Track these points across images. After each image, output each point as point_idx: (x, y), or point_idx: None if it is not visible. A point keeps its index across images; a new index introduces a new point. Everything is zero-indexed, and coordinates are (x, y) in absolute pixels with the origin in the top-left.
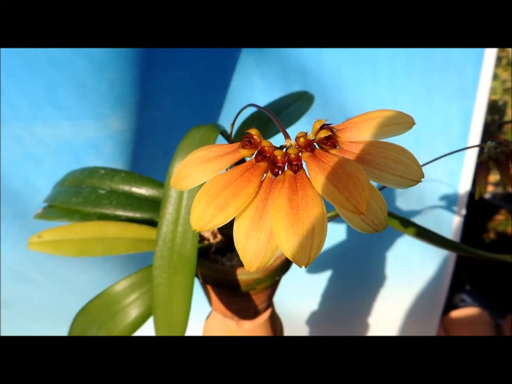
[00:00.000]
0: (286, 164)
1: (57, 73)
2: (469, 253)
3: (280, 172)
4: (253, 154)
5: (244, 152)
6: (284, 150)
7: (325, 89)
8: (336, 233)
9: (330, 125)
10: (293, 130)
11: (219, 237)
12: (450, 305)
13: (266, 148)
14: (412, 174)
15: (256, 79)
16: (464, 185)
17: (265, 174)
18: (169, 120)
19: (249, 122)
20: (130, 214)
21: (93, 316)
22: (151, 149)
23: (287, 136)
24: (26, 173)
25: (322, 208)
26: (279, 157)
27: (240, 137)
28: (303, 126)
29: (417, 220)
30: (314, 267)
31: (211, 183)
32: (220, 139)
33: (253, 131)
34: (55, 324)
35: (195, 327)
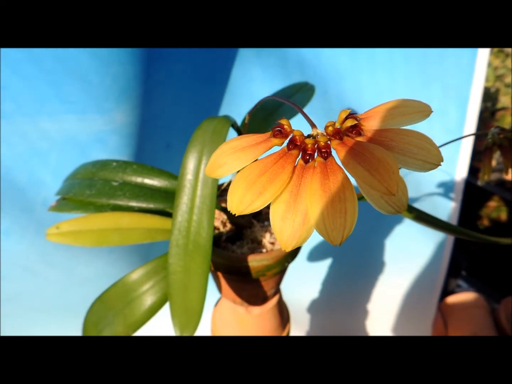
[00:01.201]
0: (316, 151)
1: (61, 68)
2: (470, 237)
3: (310, 159)
4: (283, 143)
5: (275, 141)
6: (312, 138)
7: (323, 79)
8: None
9: (355, 115)
10: (296, 121)
11: (228, 226)
12: (447, 290)
13: (297, 137)
14: (433, 158)
15: (256, 70)
16: (460, 172)
17: (296, 161)
18: (171, 113)
19: (253, 113)
20: (143, 205)
21: (109, 304)
22: (153, 142)
23: (313, 125)
24: (32, 167)
25: (353, 190)
26: (309, 145)
27: (248, 129)
28: (303, 119)
29: (415, 206)
30: (314, 255)
31: (248, 170)
32: (232, 133)
33: (284, 121)
34: (63, 315)
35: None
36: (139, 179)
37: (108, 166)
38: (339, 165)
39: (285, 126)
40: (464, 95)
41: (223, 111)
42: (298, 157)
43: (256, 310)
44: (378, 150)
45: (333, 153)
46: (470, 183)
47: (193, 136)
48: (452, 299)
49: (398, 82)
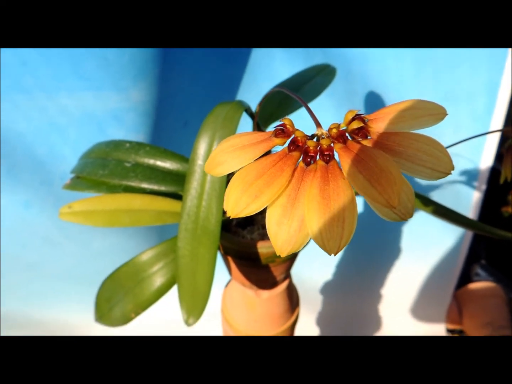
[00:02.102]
0: (318, 154)
1: None
2: (488, 233)
3: (312, 162)
4: (285, 142)
5: (277, 141)
6: (316, 139)
7: (346, 60)
8: None
9: (362, 116)
10: (315, 105)
11: None
12: (465, 279)
13: (299, 138)
14: (443, 166)
15: (277, 51)
16: (486, 160)
17: (297, 163)
18: (189, 91)
19: (269, 97)
20: (155, 187)
21: (120, 282)
22: (171, 120)
23: (318, 124)
24: (51, 142)
25: (353, 198)
26: (311, 148)
27: (262, 113)
28: (325, 100)
29: (436, 194)
30: None
31: (246, 171)
32: (245, 117)
33: (286, 121)
34: (80, 284)
35: (214, 294)
36: (151, 161)
37: (121, 147)
38: (341, 170)
39: (288, 126)
40: (495, 80)
41: (242, 91)
42: (299, 159)
43: (265, 293)
44: (382, 158)
45: (336, 156)
46: (495, 170)
47: (204, 121)
48: (468, 287)
49: (424, 64)
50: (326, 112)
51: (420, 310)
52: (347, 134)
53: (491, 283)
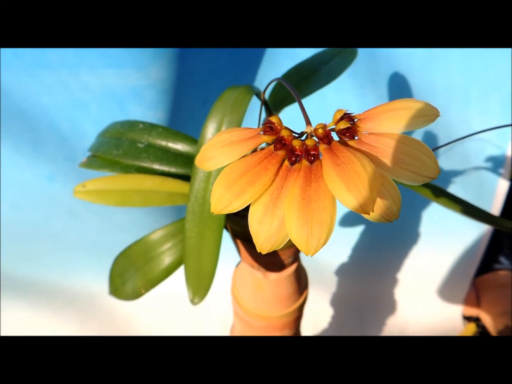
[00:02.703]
0: (304, 153)
1: None
2: (504, 227)
3: (297, 161)
4: (273, 140)
5: (265, 138)
6: (304, 137)
7: None
8: None
9: (351, 115)
10: (336, 85)
11: None
12: (486, 266)
13: (285, 137)
14: (427, 171)
15: None
16: None
17: (282, 162)
18: (208, 69)
19: (288, 76)
20: (166, 168)
21: (132, 259)
22: (190, 98)
23: (308, 122)
24: (74, 117)
25: (333, 200)
26: (297, 147)
27: (276, 97)
28: (347, 80)
29: (459, 180)
30: (347, 221)
31: (231, 169)
32: (254, 101)
33: (274, 119)
34: (100, 255)
35: (226, 273)
36: (163, 143)
37: (135, 128)
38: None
39: (276, 124)
40: None
41: (262, 69)
42: (284, 158)
43: (273, 276)
44: (362, 161)
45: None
46: None
47: (214, 105)
48: (488, 275)
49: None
50: (348, 92)
51: (437, 296)
52: (333, 134)
53: (510, 272)
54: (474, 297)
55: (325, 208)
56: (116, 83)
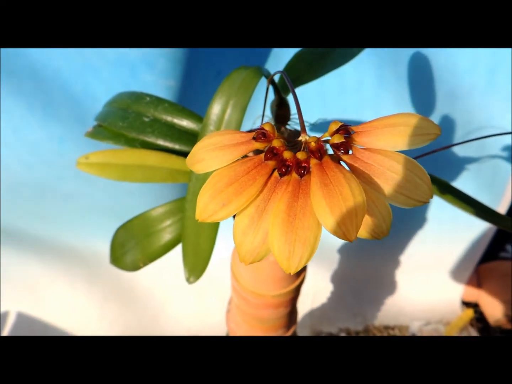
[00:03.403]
0: (294, 166)
1: None
2: (509, 228)
3: (287, 172)
4: (265, 147)
5: (257, 145)
6: (302, 142)
7: None
8: None
9: (348, 127)
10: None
11: None
12: (491, 254)
13: (277, 147)
14: (420, 195)
15: None
16: None
17: (272, 172)
18: None
19: (300, 57)
20: (170, 145)
21: (132, 232)
22: (204, 69)
23: (304, 130)
24: (86, 81)
25: (319, 220)
26: (288, 158)
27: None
28: (366, 58)
29: (473, 167)
30: None
31: (218, 177)
32: (262, 83)
33: (267, 127)
34: (109, 218)
35: (226, 250)
36: (169, 118)
37: (141, 100)
38: None
39: (269, 131)
40: None
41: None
42: (274, 168)
43: (271, 257)
44: (350, 186)
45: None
46: None
47: (220, 86)
48: (491, 264)
49: None
50: (367, 71)
51: (438, 280)
52: (325, 148)
53: None
54: (475, 283)
55: (310, 227)
56: (129, 49)
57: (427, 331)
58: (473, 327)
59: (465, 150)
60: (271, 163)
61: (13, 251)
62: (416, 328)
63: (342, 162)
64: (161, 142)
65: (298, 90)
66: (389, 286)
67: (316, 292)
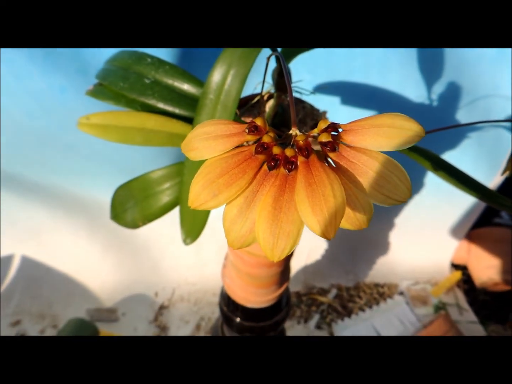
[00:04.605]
0: (283, 159)
1: None
2: (505, 208)
3: (276, 166)
4: (257, 139)
5: (248, 137)
6: (292, 136)
7: None
8: None
9: (336, 125)
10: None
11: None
12: (485, 220)
13: (267, 142)
14: (398, 195)
15: None
16: None
17: (262, 165)
18: None
19: None
20: (170, 108)
21: (131, 193)
22: None
23: (294, 124)
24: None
25: (301, 217)
26: (277, 154)
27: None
28: None
29: (475, 135)
30: None
31: (210, 167)
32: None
33: (259, 121)
34: (110, 169)
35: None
36: (169, 81)
37: (143, 61)
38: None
39: (260, 126)
40: None
41: None
42: (263, 161)
43: None
44: (333, 186)
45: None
46: None
47: (221, 54)
48: (483, 229)
49: None
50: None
51: (430, 242)
52: (312, 146)
53: (507, 229)
54: (466, 247)
55: (294, 221)
56: None
57: (415, 290)
58: (460, 288)
59: (470, 117)
60: (261, 157)
61: (17, 197)
62: (405, 287)
63: (328, 159)
64: (161, 105)
65: (305, 53)
66: (382, 247)
67: (311, 249)
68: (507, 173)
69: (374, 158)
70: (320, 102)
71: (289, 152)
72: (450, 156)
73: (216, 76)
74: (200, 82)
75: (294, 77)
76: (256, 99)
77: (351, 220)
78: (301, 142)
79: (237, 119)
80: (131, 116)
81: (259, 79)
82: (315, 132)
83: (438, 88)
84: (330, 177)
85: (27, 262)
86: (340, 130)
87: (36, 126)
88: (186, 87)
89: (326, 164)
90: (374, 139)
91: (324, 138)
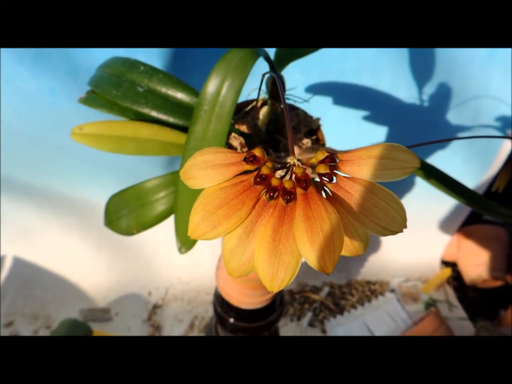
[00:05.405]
0: (281, 190)
1: None
2: (501, 216)
3: (274, 197)
4: (256, 168)
5: (247, 167)
6: (287, 167)
7: None
8: None
9: (334, 155)
10: None
11: (246, 149)
12: (476, 217)
13: (266, 172)
14: (394, 226)
15: None
16: None
17: (260, 195)
18: None
19: None
20: (164, 117)
21: (126, 201)
22: None
23: (292, 152)
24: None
25: (300, 251)
26: (276, 184)
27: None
28: None
29: (465, 136)
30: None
31: (209, 198)
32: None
33: (258, 152)
34: (102, 170)
35: None
36: (163, 90)
37: (135, 69)
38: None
39: (258, 156)
40: None
41: None
42: (262, 191)
43: None
44: (331, 220)
45: None
46: None
47: (216, 65)
48: (473, 226)
49: None
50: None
51: (421, 240)
52: (311, 176)
53: (496, 226)
54: (456, 244)
55: (293, 253)
56: None
57: (406, 288)
58: (449, 285)
59: (460, 118)
60: (260, 188)
61: (9, 198)
62: (396, 284)
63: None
64: (155, 114)
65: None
66: (374, 245)
67: None
68: (498, 189)
69: (370, 189)
70: (312, 102)
71: (287, 184)
72: (441, 156)
73: (210, 87)
74: (194, 90)
75: (287, 79)
76: (250, 107)
77: (349, 247)
78: (299, 174)
79: (232, 129)
80: (124, 126)
81: (252, 86)
82: (313, 161)
83: (429, 89)
84: (328, 210)
85: (19, 263)
86: (337, 160)
87: (26, 127)
88: (180, 95)
89: (324, 196)
90: (371, 170)
91: (322, 169)
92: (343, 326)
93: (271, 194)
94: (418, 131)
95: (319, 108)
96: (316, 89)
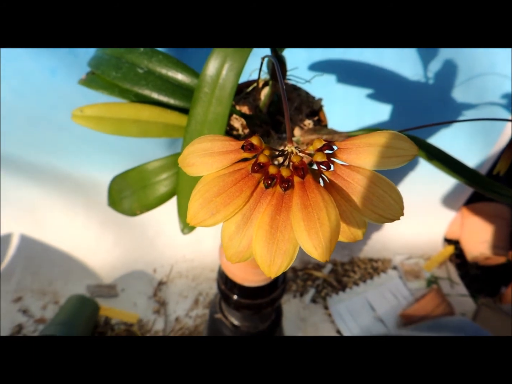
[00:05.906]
0: (279, 178)
1: None
2: (504, 198)
3: (272, 184)
4: (253, 156)
5: (245, 154)
6: (285, 154)
7: None
8: None
9: (331, 143)
10: None
11: (247, 130)
12: (479, 195)
13: (263, 161)
14: (391, 214)
15: None
16: None
17: (258, 182)
18: None
19: None
20: (164, 99)
21: (129, 183)
22: None
23: (290, 140)
24: None
25: (296, 239)
26: (273, 172)
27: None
28: None
29: (470, 114)
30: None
31: (207, 186)
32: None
33: (255, 140)
34: (104, 149)
35: None
36: (163, 71)
37: (135, 50)
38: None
39: (255, 144)
40: None
41: None
42: (260, 179)
43: None
44: (328, 209)
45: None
46: None
47: (213, 50)
48: (476, 204)
49: None
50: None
51: (424, 218)
52: (308, 164)
53: (499, 204)
54: (459, 222)
55: (290, 240)
56: None
57: (408, 265)
58: (452, 263)
59: (466, 96)
60: (257, 175)
61: (12, 176)
62: (398, 261)
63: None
64: (155, 95)
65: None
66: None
67: None
68: (500, 172)
69: (369, 177)
70: (315, 81)
71: (285, 172)
72: (444, 134)
73: (210, 69)
74: (194, 72)
75: (289, 57)
76: (251, 87)
77: (346, 234)
78: (296, 163)
79: (233, 110)
80: (125, 108)
81: (254, 66)
82: (310, 149)
83: (435, 66)
84: (325, 199)
85: (26, 240)
86: (335, 148)
87: (27, 107)
88: (180, 77)
89: (322, 185)
90: (369, 158)
91: (319, 157)
92: (345, 302)
93: (269, 182)
94: (423, 109)
95: (322, 87)
96: (320, 66)
